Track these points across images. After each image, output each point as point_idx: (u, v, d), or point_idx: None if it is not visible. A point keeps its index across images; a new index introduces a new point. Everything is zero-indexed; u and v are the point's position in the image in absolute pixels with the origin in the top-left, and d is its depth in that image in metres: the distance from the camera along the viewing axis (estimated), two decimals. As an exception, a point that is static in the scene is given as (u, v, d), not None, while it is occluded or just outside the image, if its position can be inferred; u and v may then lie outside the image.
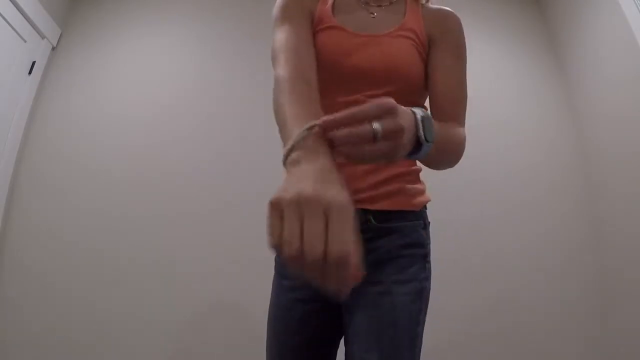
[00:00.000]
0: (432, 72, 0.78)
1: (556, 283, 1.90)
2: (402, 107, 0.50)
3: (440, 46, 0.79)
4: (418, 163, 0.83)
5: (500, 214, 2.00)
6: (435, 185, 2.01)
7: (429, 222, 0.86)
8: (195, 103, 2.16)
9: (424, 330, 0.76)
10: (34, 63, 2.13)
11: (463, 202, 2.00)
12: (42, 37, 2.18)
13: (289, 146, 0.48)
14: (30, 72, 2.11)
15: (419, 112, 0.54)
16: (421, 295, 0.75)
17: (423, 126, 0.54)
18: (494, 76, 2.31)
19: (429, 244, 0.83)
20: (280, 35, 0.74)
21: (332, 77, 0.73)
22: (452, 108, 0.76)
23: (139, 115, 2.15)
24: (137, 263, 1.87)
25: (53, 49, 2.27)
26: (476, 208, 2.00)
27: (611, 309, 1.84)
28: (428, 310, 0.79)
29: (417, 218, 0.81)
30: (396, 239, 0.77)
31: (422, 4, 0.84)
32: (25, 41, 2.07)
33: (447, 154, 0.70)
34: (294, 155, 0.47)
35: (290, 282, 0.84)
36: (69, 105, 2.18)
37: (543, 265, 1.92)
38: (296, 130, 0.49)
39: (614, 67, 1.95)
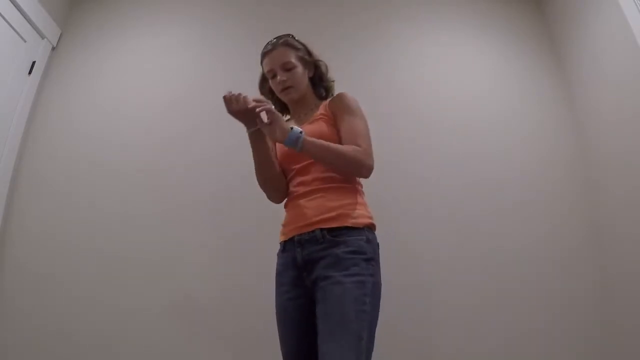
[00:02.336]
0: (339, 128, 1.25)
1: (556, 283, 1.89)
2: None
3: (339, 114, 1.26)
4: (362, 197, 1.25)
5: (500, 214, 1.99)
6: (435, 185, 2.02)
7: (377, 244, 1.17)
8: (195, 103, 2.16)
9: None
10: (34, 63, 2.13)
11: (462, 202, 1.99)
12: (42, 37, 2.18)
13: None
14: (30, 72, 2.12)
15: (295, 127, 1.11)
16: (364, 285, 1.04)
17: (293, 129, 1.10)
18: (494, 76, 2.31)
19: (373, 253, 1.12)
20: None
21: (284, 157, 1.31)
22: (353, 140, 1.19)
23: (138, 115, 2.15)
24: (138, 262, 1.87)
25: (53, 49, 2.28)
26: (475, 208, 1.99)
27: (611, 309, 1.84)
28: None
29: (360, 235, 1.12)
30: (343, 247, 1.09)
31: (325, 101, 1.35)
32: (25, 41, 2.07)
33: (331, 156, 1.15)
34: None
35: (285, 287, 1.17)
36: (69, 105, 2.18)
37: (542, 265, 1.92)
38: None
39: (614, 67, 1.94)
